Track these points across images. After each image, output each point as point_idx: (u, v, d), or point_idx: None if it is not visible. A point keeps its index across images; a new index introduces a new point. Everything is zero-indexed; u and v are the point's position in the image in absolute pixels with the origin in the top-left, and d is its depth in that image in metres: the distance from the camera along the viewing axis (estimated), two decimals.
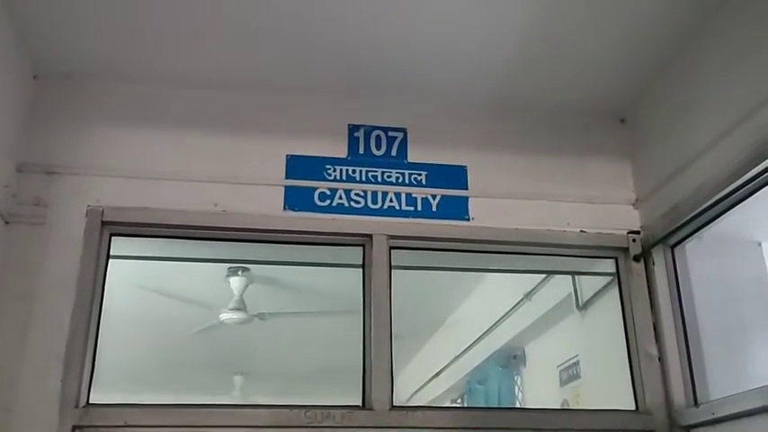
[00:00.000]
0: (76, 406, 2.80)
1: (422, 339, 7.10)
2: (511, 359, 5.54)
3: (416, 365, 7.21)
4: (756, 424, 2.62)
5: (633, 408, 3.20)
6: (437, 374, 6.83)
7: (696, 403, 3.03)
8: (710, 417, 2.86)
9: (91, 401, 2.87)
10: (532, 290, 4.76)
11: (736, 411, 2.71)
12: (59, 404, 2.77)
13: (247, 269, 5.68)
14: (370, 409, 2.98)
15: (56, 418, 2.75)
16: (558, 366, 4.70)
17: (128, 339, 5.96)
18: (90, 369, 2.91)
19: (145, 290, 5.63)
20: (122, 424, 2.84)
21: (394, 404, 3.02)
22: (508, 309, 5.15)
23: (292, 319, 6.63)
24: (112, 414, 2.86)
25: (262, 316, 6.40)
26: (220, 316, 6.18)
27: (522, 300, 4.93)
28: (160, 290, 5.72)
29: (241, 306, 6.02)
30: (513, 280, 4.99)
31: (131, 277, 5.16)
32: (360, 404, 3.02)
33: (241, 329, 6.44)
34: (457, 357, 6.28)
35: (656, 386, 3.15)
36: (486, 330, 5.59)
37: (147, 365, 7.62)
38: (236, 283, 5.82)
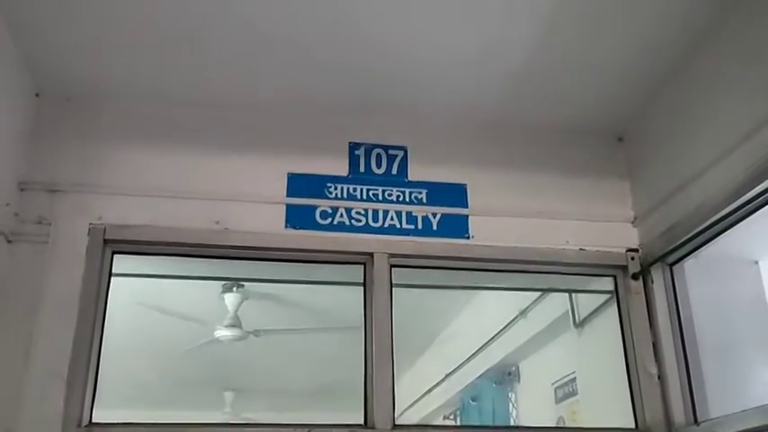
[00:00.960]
0: (79, 425, 2.78)
1: (414, 355, 7.08)
2: (505, 376, 5.55)
3: (409, 381, 7.18)
4: None
5: (633, 426, 3.21)
6: (430, 390, 6.81)
7: (696, 422, 3.04)
8: None
9: (93, 420, 2.85)
10: (527, 307, 4.77)
11: (737, 430, 2.72)
12: (62, 424, 2.75)
13: (242, 285, 5.66)
14: (373, 428, 2.97)
15: None
16: (553, 383, 4.71)
17: (125, 356, 5.91)
18: (92, 388, 2.89)
19: (143, 306, 5.59)
20: None
21: (396, 423, 3.02)
22: (502, 325, 5.16)
23: (287, 336, 6.60)
24: None
25: (257, 333, 6.36)
26: (215, 333, 6.16)
27: (516, 317, 4.94)
28: (157, 306, 5.68)
29: (236, 323, 5.99)
30: (507, 296, 5.00)
31: (130, 294, 5.13)
32: (362, 423, 3.02)
33: (236, 346, 6.41)
34: (450, 373, 6.27)
35: (655, 405, 3.16)
36: (480, 347, 5.59)
37: (143, 382, 7.57)
38: (230, 299, 5.80)
